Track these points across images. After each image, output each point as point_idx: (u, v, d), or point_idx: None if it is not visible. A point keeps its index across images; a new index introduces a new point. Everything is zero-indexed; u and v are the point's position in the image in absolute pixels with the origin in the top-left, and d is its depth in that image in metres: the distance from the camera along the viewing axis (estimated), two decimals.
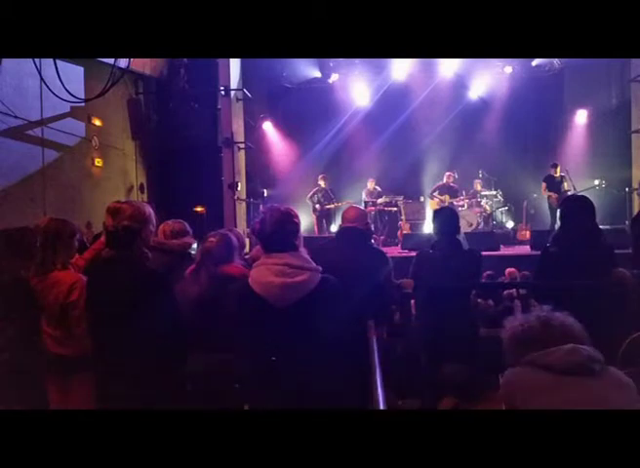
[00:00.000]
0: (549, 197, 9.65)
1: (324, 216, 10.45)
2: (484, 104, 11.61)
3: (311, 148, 11.54)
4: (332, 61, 11.44)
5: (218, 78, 9.20)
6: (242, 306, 2.23)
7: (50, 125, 6.49)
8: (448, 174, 10.34)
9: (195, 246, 3.43)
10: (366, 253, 3.26)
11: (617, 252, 3.35)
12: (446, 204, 9.79)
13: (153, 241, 2.70)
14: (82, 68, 6.99)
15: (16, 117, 5.82)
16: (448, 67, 11.24)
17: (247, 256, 3.84)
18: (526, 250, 8.31)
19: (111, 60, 5.98)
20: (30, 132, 6.18)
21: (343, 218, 3.38)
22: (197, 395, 2.55)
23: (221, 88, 9.18)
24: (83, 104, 6.77)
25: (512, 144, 11.22)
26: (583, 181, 9.70)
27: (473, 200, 10.18)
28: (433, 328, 3.46)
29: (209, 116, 9.18)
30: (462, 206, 10.09)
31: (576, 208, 3.28)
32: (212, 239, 3.05)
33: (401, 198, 10.41)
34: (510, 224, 10.51)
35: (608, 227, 7.28)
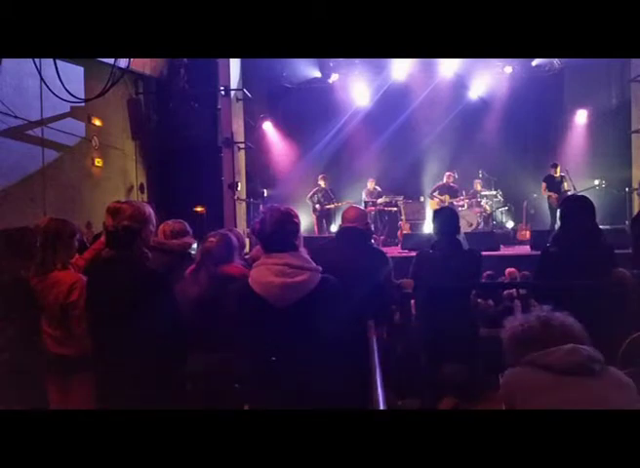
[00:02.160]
0: (549, 197, 9.65)
1: (324, 216, 10.45)
2: (484, 104, 11.61)
3: (311, 148, 11.53)
4: (332, 61, 11.44)
5: (218, 78, 9.19)
6: (242, 306, 2.23)
7: (50, 125, 6.48)
8: (448, 174, 10.34)
9: (195, 246, 3.43)
10: (366, 253, 3.26)
11: (617, 252, 3.35)
12: (446, 204, 9.79)
13: (153, 241, 2.69)
14: (82, 68, 6.99)
15: (16, 117, 5.82)
16: (448, 67, 11.23)
17: (247, 256, 3.84)
18: (526, 250, 8.31)
19: (111, 60, 5.98)
20: (30, 132, 6.18)
21: (343, 218, 3.38)
22: (197, 395, 2.55)
23: (221, 88, 9.18)
24: (83, 104, 6.77)
25: (512, 144, 11.22)
26: (583, 181, 9.70)
27: (473, 200, 10.18)
28: (433, 328, 3.46)
29: (209, 116, 9.17)
30: (462, 206, 10.08)
31: (576, 208, 3.28)
32: (212, 239, 3.05)
33: (401, 198, 10.40)
34: (510, 224, 10.51)
35: (608, 227, 7.28)
